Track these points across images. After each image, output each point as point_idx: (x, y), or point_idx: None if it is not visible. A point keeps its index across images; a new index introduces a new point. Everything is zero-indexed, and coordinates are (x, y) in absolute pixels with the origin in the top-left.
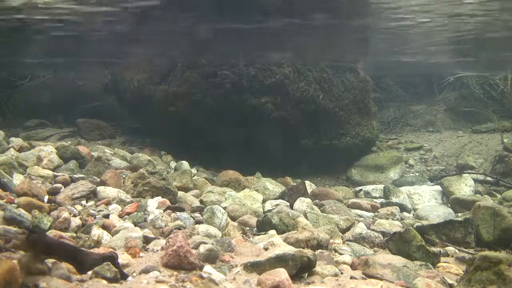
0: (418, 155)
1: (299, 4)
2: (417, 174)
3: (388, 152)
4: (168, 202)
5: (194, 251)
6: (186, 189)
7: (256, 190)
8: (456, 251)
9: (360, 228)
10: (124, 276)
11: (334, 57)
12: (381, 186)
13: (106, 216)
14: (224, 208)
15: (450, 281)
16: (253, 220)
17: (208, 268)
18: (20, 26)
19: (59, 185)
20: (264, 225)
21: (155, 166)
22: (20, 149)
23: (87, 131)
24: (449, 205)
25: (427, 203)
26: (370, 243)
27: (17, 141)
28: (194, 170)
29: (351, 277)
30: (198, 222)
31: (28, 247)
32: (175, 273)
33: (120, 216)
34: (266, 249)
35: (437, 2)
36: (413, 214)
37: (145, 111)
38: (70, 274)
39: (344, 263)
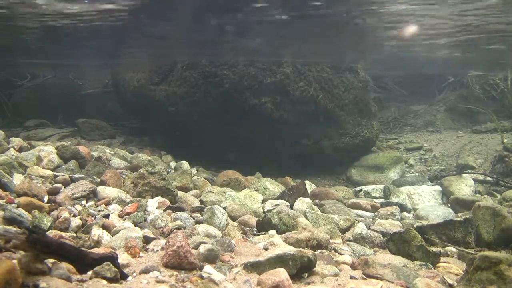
0: (418, 155)
1: None
2: (417, 174)
3: (388, 152)
4: (168, 202)
5: (194, 251)
6: (186, 189)
7: (256, 190)
8: (456, 251)
9: (360, 228)
10: (124, 276)
11: None
12: (381, 186)
13: (106, 216)
14: (224, 208)
15: (450, 281)
16: (253, 220)
17: (208, 268)
18: None
19: (59, 185)
20: (264, 225)
21: (155, 166)
22: (20, 149)
23: (87, 131)
24: (449, 205)
25: (427, 203)
26: (370, 243)
27: (17, 141)
28: (194, 170)
29: (351, 277)
30: (198, 222)
31: (28, 247)
32: (175, 273)
33: (120, 216)
34: (266, 249)
35: None
36: (413, 214)
37: (145, 111)
38: (70, 274)
39: (344, 263)
